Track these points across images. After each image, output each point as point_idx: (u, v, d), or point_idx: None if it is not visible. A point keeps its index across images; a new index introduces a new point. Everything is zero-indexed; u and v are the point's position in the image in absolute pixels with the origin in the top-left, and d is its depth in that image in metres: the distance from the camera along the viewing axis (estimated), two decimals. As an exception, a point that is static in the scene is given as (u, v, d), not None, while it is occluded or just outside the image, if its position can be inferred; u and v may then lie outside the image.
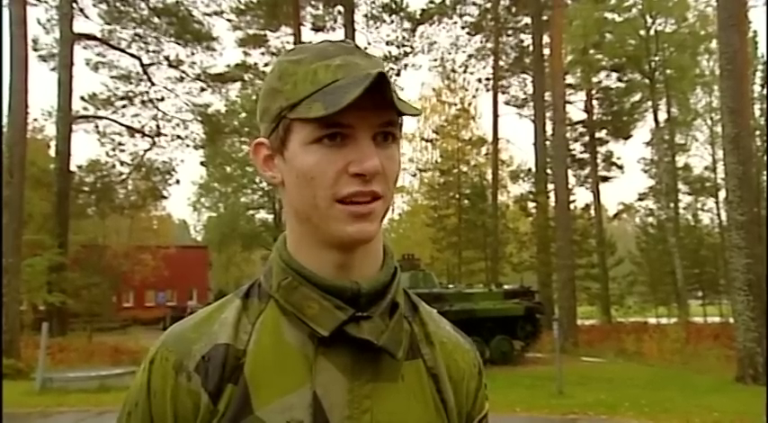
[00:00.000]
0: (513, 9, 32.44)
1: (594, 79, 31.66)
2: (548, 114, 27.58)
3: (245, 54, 31.32)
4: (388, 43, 30.27)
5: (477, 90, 35.47)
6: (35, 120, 30.65)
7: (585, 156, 34.66)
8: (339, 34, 28.14)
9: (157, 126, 29.58)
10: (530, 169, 33.81)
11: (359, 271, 0.88)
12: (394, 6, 29.20)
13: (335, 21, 29.68)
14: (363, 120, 0.81)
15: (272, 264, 0.91)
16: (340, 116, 0.79)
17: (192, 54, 29.41)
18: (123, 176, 29.91)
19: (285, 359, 0.85)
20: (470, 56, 34.56)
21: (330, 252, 0.86)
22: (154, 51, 28.93)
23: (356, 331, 0.83)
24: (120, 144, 29.09)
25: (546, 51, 27.58)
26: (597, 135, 34.25)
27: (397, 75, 30.81)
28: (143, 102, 29.25)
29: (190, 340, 0.86)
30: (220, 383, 0.83)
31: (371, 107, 0.80)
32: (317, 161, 0.82)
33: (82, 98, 27.83)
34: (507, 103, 35.87)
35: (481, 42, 34.24)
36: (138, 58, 28.74)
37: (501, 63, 34.27)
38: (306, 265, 0.87)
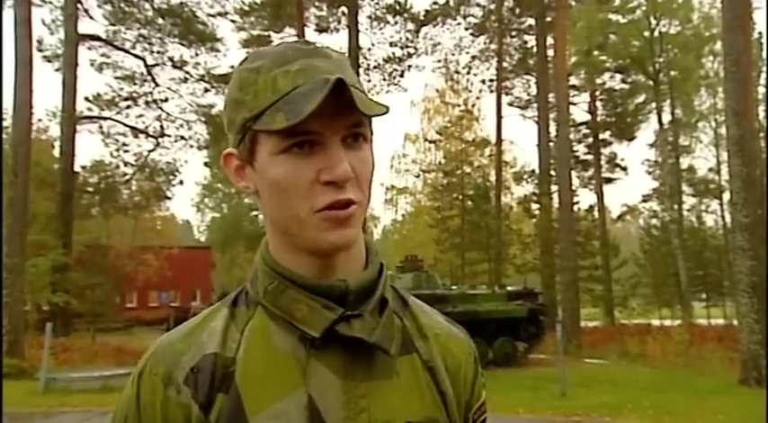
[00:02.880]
0: (517, 10, 32.44)
1: (598, 81, 31.68)
2: (551, 116, 27.56)
3: (249, 55, 31.34)
4: (391, 44, 30.32)
5: (480, 91, 35.49)
6: (39, 120, 30.81)
7: (589, 157, 34.65)
8: (343, 35, 28.24)
9: (161, 127, 29.62)
10: (533, 171, 33.79)
11: (342, 272, 0.87)
12: (398, 7, 29.23)
13: (339, 22, 29.71)
14: (329, 125, 0.80)
15: (257, 269, 0.91)
16: (305, 124, 0.77)
17: (196, 55, 29.44)
18: (127, 177, 29.93)
19: (277, 364, 0.84)
20: (474, 57, 34.57)
21: (311, 257, 0.86)
22: (158, 52, 28.97)
23: (347, 330, 0.82)
24: (124, 145, 29.09)
25: (550, 53, 27.55)
26: (601, 136, 34.24)
27: (401, 76, 30.85)
28: (147, 102, 29.27)
29: (178, 351, 0.85)
30: (210, 394, 0.82)
31: (336, 111, 0.79)
32: (287, 171, 0.81)
33: (86, 99, 27.88)
34: (511, 105, 35.86)
35: (485, 43, 34.23)
36: (143, 59, 28.78)
37: (505, 64, 34.22)
38: (290, 267, 0.87)
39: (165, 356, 0.85)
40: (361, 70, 28.91)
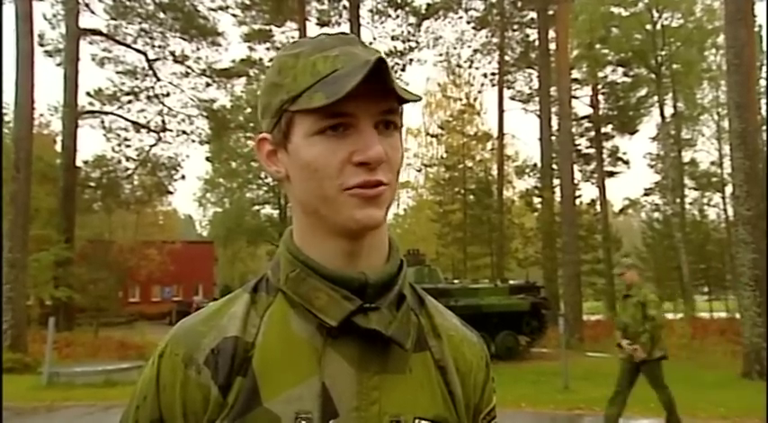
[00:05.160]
0: (519, 4, 32.35)
1: (600, 74, 31.55)
2: (553, 109, 27.53)
3: (251, 49, 31.35)
4: (393, 38, 30.25)
5: (482, 85, 35.42)
6: (41, 115, 30.84)
7: (591, 151, 34.57)
8: (344, 29, 27.97)
9: (163, 121, 29.59)
10: (535, 164, 33.76)
11: (366, 261, 0.88)
12: (399, 1, 29.15)
13: (341, 15, 29.64)
14: (364, 108, 0.82)
15: (279, 257, 0.92)
16: (341, 105, 0.79)
17: (198, 49, 29.43)
18: (129, 172, 29.93)
19: (293, 351, 0.85)
20: (476, 51, 34.51)
21: (337, 241, 0.87)
22: (159, 46, 28.94)
23: (364, 322, 0.84)
24: (125, 139, 29.09)
25: (552, 46, 27.49)
26: (603, 130, 34.15)
27: (403, 70, 30.78)
28: (149, 97, 29.24)
29: (199, 334, 0.87)
30: (230, 376, 0.83)
31: (372, 95, 0.81)
32: (320, 152, 0.83)
33: (88, 93, 27.85)
34: (513, 99, 35.80)
35: (487, 37, 34.17)
36: (144, 54, 28.75)
37: (506, 58, 34.14)
38: (313, 256, 0.88)
39: (186, 338, 0.87)
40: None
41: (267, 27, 30.66)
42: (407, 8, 29.53)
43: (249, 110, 31.03)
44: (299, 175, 0.86)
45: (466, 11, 32.24)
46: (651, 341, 7.07)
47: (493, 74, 34.61)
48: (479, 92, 35.54)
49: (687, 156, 35.60)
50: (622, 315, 7.43)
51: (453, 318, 1.01)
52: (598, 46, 28.29)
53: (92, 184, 28.89)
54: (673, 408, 7.40)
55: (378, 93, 0.81)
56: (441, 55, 35.26)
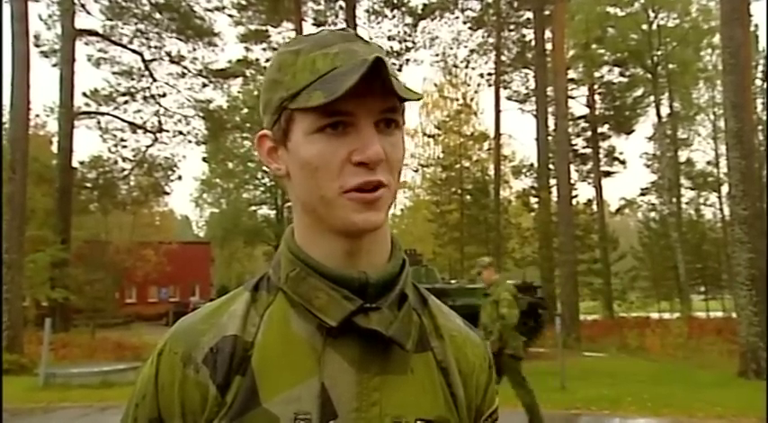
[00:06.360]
0: (515, 4, 32.34)
1: (597, 74, 31.69)
2: (550, 109, 27.53)
3: (247, 50, 31.28)
4: (389, 38, 30.20)
5: (479, 85, 35.39)
6: (37, 116, 30.71)
7: (588, 151, 34.68)
8: (341, 29, 27.96)
9: (159, 122, 29.53)
10: (532, 164, 33.79)
11: (367, 259, 0.87)
12: (395, 1, 29.14)
13: (337, 16, 29.62)
14: (364, 107, 0.81)
15: (280, 256, 0.91)
16: (340, 104, 0.78)
17: (194, 50, 29.37)
18: (125, 172, 29.89)
19: (293, 351, 0.84)
20: (472, 51, 34.48)
21: (337, 240, 0.86)
22: (155, 47, 28.89)
23: (365, 322, 0.83)
24: (122, 140, 29.06)
25: (548, 46, 27.50)
26: (599, 130, 34.26)
27: (399, 70, 30.75)
28: (145, 98, 29.20)
29: (198, 332, 0.86)
30: (228, 375, 0.83)
31: (372, 93, 0.80)
32: (319, 151, 0.82)
33: (84, 94, 27.82)
34: (509, 99, 35.84)
35: (483, 37, 34.15)
36: (140, 54, 28.70)
37: (503, 58, 34.13)
38: (314, 255, 0.87)
39: (185, 336, 0.86)
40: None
41: (263, 27, 30.62)
42: (404, 8, 29.52)
43: (245, 110, 31.01)
44: (299, 174, 0.86)
45: (462, 11, 32.24)
46: (500, 340, 7.08)
47: (489, 74, 34.62)
48: (476, 92, 35.53)
49: (683, 155, 35.77)
50: (482, 314, 7.46)
51: (456, 318, 1.00)
52: (594, 46, 28.42)
53: (88, 184, 28.85)
54: (534, 409, 7.14)
55: (377, 91, 0.80)
56: (437, 55, 35.33)
